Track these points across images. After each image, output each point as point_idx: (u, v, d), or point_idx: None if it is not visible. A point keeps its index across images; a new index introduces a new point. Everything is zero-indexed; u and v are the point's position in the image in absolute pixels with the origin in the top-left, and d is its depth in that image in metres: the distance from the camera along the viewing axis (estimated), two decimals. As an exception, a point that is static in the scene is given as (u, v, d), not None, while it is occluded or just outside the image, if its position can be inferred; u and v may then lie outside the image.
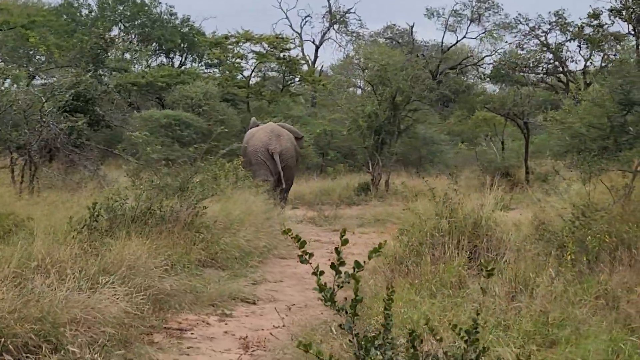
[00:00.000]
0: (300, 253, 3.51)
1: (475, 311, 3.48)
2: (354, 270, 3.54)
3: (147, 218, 9.65)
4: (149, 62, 37.93)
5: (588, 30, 38.66)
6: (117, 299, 6.60)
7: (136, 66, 34.58)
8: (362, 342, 3.43)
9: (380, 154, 21.36)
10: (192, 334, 6.86)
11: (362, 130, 21.21)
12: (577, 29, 28.76)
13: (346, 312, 3.53)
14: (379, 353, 3.38)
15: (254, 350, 6.37)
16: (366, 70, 23.33)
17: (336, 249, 3.42)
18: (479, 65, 49.85)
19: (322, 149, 29.23)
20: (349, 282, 3.37)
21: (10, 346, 5.46)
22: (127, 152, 17.67)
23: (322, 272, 3.33)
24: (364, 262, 3.40)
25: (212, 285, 8.45)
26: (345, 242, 3.42)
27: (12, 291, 5.97)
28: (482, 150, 24.84)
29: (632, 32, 14.40)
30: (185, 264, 8.89)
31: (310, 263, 3.39)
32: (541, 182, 20.43)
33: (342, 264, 3.30)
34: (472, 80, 52.45)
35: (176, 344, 6.47)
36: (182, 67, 37.07)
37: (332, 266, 3.30)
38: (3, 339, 5.44)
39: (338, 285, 3.31)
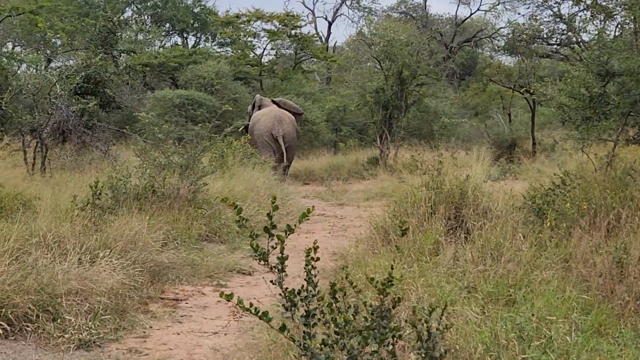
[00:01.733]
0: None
1: (390, 266, 3.96)
2: (286, 233, 3.67)
3: (148, 195, 10.02)
4: (163, 42, 38.21)
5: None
6: (114, 271, 6.97)
7: (150, 47, 34.77)
8: (289, 295, 3.96)
9: (389, 129, 21.61)
10: (186, 303, 7.23)
11: (370, 105, 21.44)
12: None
13: (278, 270, 4.03)
14: (304, 304, 3.84)
15: (241, 317, 6.74)
16: (372, 46, 23.47)
17: (273, 201, 3.73)
18: (494, 38, 49.61)
19: (335, 124, 29.43)
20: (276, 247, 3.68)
21: (10, 316, 5.85)
22: (139, 132, 18.06)
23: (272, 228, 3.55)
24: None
25: (210, 258, 8.81)
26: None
27: (13, 265, 6.35)
28: (492, 123, 25.04)
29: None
30: (185, 238, 9.25)
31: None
32: (548, 152, 20.66)
33: (274, 227, 3.61)
34: (487, 53, 52.27)
35: (170, 313, 6.84)
36: (195, 47, 37.30)
37: (265, 229, 3.64)
38: (3, 310, 5.83)
39: (272, 247, 3.63)
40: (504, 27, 47.21)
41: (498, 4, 46.36)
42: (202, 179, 10.77)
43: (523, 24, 41.97)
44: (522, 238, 6.85)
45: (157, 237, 8.43)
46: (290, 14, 33.05)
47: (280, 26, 32.60)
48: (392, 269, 3.75)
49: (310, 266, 3.72)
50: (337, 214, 14.21)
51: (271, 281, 3.74)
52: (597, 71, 9.84)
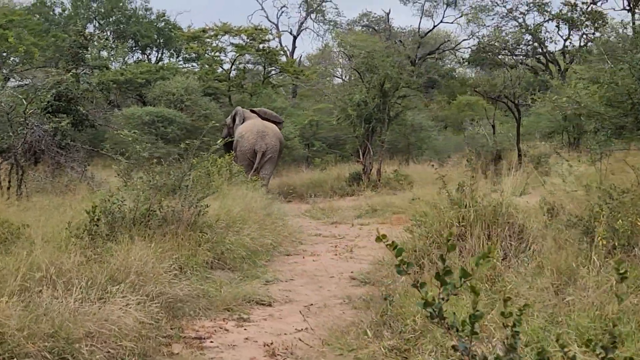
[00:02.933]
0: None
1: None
2: (461, 280, 2.70)
3: (147, 220, 9.20)
4: (126, 59, 37.21)
5: (566, 10, 38.85)
6: (130, 308, 6.17)
7: (113, 64, 33.79)
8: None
9: (371, 143, 20.94)
10: (211, 342, 6.42)
11: (352, 119, 20.71)
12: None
13: (457, 330, 2.69)
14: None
15: (284, 359, 5.94)
16: (352, 58, 22.81)
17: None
18: (457, 50, 49.51)
19: (307, 139, 28.78)
20: (455, 295, 2.74)
21: (23, 367, 5.02)
22: (114, 151, 17.18)
23: (423, 284, 2.73)
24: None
25: (225, 288, 8.01)
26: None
27: (19, 306, 5.52)
28: (471, 135, 24.53)
29: (627, 8, 14.06)
30: (194, 266, 8.45)
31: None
32: (535, 164, 20.16)
33: (449, 272, 2.70)
34: (450, 65, 52.19)
35: (198, 355, 6.03)
36: (160, 63, 36.41)
37: (437, 276, 2.75)
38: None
39: (443, 299, 2.69)
40: (467, 39, 47.15)
41: (461, 16, 46.23)
42: (202, 201, 9.95)
43: (488, 35, 42.11)
44: (596, 261, 6.12)
45: (168, 267, 7.62)
46: (259, 27, 32.36)
47: (248, 40, 31.85)
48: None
49: (516, 328, 2.75)
50: (335, 234, 13.49)
51: (453, 347, 2.64)
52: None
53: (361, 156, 21.18)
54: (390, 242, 2.73)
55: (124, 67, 32.26)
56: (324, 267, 9.99)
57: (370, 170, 20.85)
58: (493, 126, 22.97)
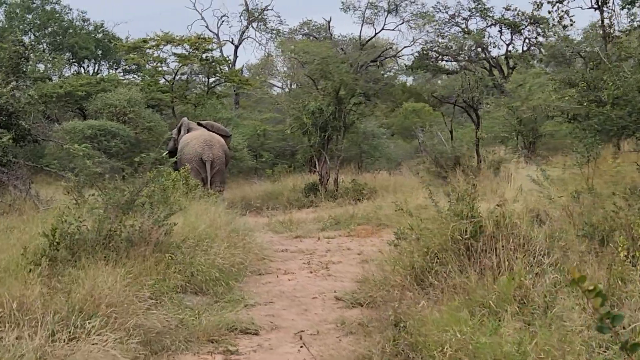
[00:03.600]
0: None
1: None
2: None
3: (110, 241, 8.35)
4: (62, 71, 35.86)
5: (508, 15, 38.97)
6: (107, 346, 5.38)
7: (54, 76, 32.47)
8: None
9: (327, 152, 20.27)
10: (201, 381, 5.65)
11: (307, 127, 19.97)
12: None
13: None
14: None
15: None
16: (306, 65, 22.12)
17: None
18: (399, 57, 49.23)
19: (255, 150, 28.05)
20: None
21: None
22: (59, 167, 16.23)
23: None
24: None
25: (204, 316, 7.20)
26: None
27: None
28: (427, 139, 24.03)
29: (595, 6, 13.74)
30: (166, 292, 7.62)
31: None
32: (494, 169, 19.78)
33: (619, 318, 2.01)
34: (391, 73, 51.89)
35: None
36: (99, 75, 35.23)
37: (599, 328, 2.04)
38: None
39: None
40: (409, 46, 46.96)
41: (402, 23, 45.95)
42: (169, 218, 9.13)
43: (431, 41, 41.90)
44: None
45: (142, 295, 6.81)
46: (202, 36, 31.47)
47: (191, 50, 30.90)
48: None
49: None
50: (302, 248, 12.75)
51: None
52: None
53: (317, 166, 20.50)
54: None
55: (62, 79, 31.01)
56: (303, 287, 9.28)
57: (327, 180, 20.18)
58: (451, 132, 22.54)
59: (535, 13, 13.38)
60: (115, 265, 7.58)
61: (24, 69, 18.19)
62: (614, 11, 13.82)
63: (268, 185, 22.44)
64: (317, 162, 20.57)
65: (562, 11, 14.02)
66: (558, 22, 13.94)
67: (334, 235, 14.21)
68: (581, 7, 14.26)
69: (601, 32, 14.12)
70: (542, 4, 14.17)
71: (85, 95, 27.42)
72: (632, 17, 11.76)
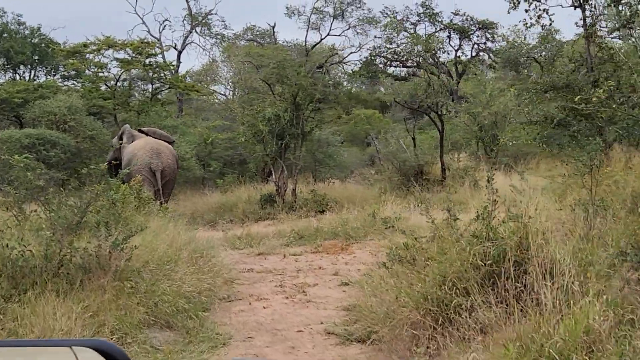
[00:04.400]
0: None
1: None
2: None
3: (60, 269, 7.13)
4: (-4, 78, 34.11)
5: (457, 20, 38.63)
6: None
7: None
8: None
9: (284, 161, 19.11)
10: None
11: (263, 135, 18.74)
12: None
13: None
14: None
15: None
16: (261, 69, 20.96)
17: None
18: (344, 63, 48.41)
19: (202, 159, 26.77)
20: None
21: None
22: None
23: None
24: None
25: (178, 358, 6.03)
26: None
27: None
28: (388, 148, 23.03)
29: (576, 4, 12.97)
30: (129, 330, 6.43)
31: None
32: (460, 177, 18.95)
33: None
34: (337, 79, 51.00)
35: None
36: (36, 81, 33.52)
37: None
38: None
39: None
40: (355, 52, 46.17)
41: (348, 29, 45.11)
42: (128, 241, 7.91)
43: (378, 47, 41.18)
44: None
45: (105, 335, 5.63)
46: (145, 41, 30.11)
47: (134, 55, 29.48)
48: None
49: None
50: (269, 268, 11.63)
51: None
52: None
53: (273, 176, 19.35)
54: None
55: (-6, 86, 29.33)
56: (281, 316, 8.16)
57: (285, 190, 19.02)
58: (414, 139, 21.61)
59: (512, 11, 12.43)
60: (68, 298, 6.39)
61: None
62: (596, 9, 13.03)
63: (219, 196, 21.16)
64: (273, 172, 19.42)
65: (540, 9, 13.17)
66: (536, 21, 13.07)
67: (300, 252, 13.11)
68: (561, 6, 13.43)
69: (582, 33, 13.35)
70: (518, 3, 13.31)
71: (22, 102, 25.93)
72: (619, 16, 10.90)
